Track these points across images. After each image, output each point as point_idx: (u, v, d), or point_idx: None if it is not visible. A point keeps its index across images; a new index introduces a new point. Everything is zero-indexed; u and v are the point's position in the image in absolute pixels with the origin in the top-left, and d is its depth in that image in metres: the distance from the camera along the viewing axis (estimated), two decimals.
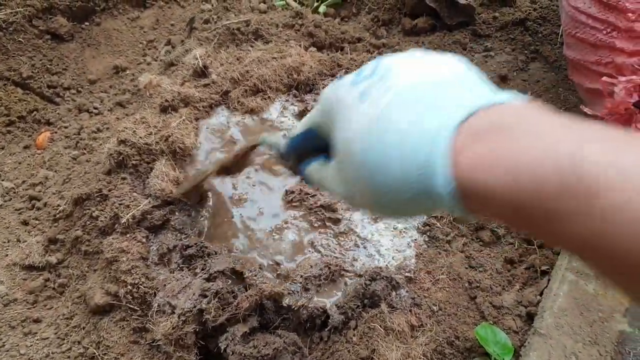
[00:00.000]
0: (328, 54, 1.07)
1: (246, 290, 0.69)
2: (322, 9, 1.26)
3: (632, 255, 0.23)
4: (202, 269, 0.69)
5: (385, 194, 0.33)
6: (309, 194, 0.81)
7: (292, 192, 0.82)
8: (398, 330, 0.70)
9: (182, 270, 0.71)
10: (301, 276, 0.72)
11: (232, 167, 0.70)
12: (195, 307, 0.65)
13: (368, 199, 0.35)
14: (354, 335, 0.70)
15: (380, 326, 0.70)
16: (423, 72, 0.33)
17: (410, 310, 0.74)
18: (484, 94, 0.31)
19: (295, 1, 1.30)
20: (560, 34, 1.17)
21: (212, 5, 1.30)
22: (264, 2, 1.30)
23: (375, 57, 0.40)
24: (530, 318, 0.74)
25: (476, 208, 0.30)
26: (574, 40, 0.86)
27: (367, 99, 0.34)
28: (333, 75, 1.00)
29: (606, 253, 0.24)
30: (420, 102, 0.31)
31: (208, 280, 0.68)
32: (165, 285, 0.69)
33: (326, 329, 0.71)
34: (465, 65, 0.35)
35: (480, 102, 0.29)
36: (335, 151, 0.38)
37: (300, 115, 0.92)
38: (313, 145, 0.45)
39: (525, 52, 1.18)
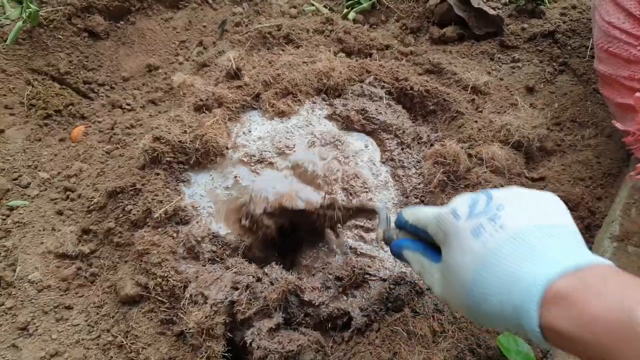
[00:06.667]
0: (357, 60, 1.09)
1: (271, 285, 0.71)
2: (351, 15, 1.28)
3: None
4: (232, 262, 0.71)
5: (479, 314, 0.43)
6: None
7: None
8: (420, 335, 0.70)
9: (214, 264, 0.73)
10: (323, 274, 0.73)
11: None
12: (226, 298, 0.67)
13: (462, 309, 0.46)
14: (376, 338, 0.71)
15: (402, 330, 0.71)
16: (530, 214, 0.42)
17: (433, 316, 0.74)
18: (573, 254, 0.39)
19: (326, 7, 1.32)
20: (589, 47, 1.17)
21: (244, 9, 1.33)
22: (294, 7, 1.32)
23: (483, 190, 0.48)
24: None
25: (555, 344, 0.38)
26: (607, 54, 0.86)
27: (480, 236, 0.42)
28: (362, 81, 1.01)
29: None
30: (524, 247, 0.40)
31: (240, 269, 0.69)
32: (197, 277, 0.71)
33: (349, 330, 0.72)
34: (563, 206, 0.44)
35: (569, 263, 0.38)
36: (445, 264, 0.47)
37: (329, 118, 0.94)
38: (414, 232, 0.58)
39: (554, 64, 1.18)
